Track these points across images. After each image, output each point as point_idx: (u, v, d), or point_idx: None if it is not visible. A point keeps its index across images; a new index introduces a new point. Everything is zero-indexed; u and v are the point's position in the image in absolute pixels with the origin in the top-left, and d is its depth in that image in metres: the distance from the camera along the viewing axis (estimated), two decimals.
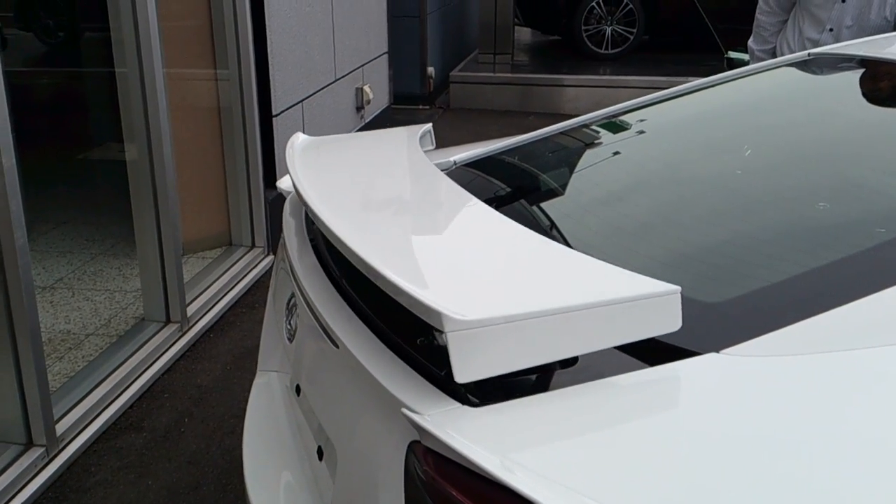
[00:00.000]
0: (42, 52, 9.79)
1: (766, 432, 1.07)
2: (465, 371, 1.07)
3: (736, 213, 1.71)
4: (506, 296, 1.19)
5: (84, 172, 5.54)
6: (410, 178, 1.76)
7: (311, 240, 1.74)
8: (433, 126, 2.13)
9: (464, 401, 1.13)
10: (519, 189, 2.04)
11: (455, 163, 2.06)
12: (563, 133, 2.29)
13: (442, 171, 1.74)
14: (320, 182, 1.69)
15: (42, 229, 4.43)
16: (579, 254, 1.29)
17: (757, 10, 3.99)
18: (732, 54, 4.15)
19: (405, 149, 1.88)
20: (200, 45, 3.97)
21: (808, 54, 2.49)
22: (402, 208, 1.63)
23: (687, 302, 1.34)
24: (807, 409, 1.12)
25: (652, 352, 1.21)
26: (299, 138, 1.93)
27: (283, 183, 2.04)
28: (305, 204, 1.55)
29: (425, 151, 1.87)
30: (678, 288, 1.15)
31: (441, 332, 1.07)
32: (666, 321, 1.16)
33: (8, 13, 9.74)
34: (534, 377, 1.18)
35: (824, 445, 1.06)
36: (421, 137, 1.94)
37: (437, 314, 1.06)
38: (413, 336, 1.28)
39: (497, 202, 1.86)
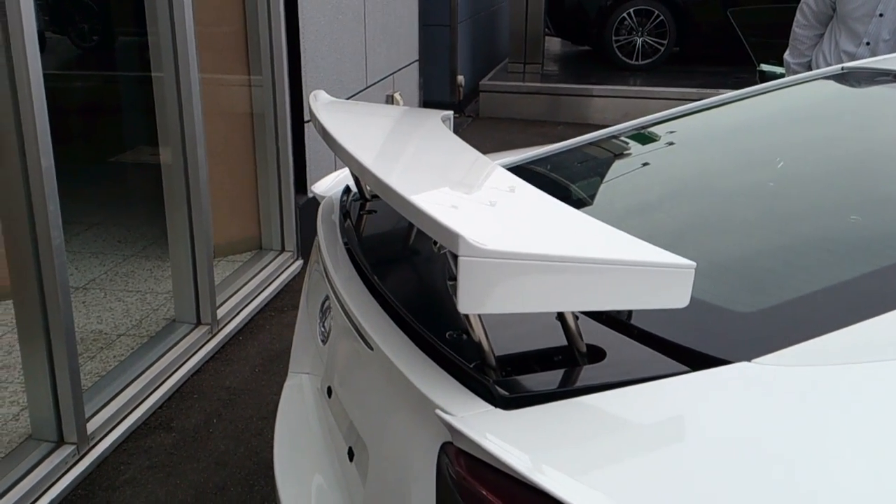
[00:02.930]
0: (76, 55, 9.92)
1: (795, 442, 1.07)
2: (469, 302, 1.08)
3: (768, 224, 1.71)
4: (523, 240, 1.19)
5: (117, 175, 5.61)
6: (438, 139, 1.77)
7: (346, 243, 1.76)
8: (462, 134, 2.15)
9: (496, 404, 1.15)
10: None
11: None
12: (594, 143, 2.29)
13: None
14: (346, 126, 1.72)
15: (75, 230, 4.50)
16: (600, 222, 1.30)
17: (794, 24, 3.98)
18: (765, 67, 4.14)
19: (430, 119, 1.91)
20: (235, 50, 4.02)
21: (842, 68, 2.48)
22: (428, 158, 1.66)
23: (719, 311, 1.35)
24: (836, 419, 1.12)
25: (684, 359, 1.21)
26: (322, 94, 1.97)
27: (318, 187, 2.07)
28: (332, 141, 1.58)
29: None
30: (693, 263, 1.15)
31: (454, 258, 1.07)
32: (675, 296, 1.15)
33: (44, 17, 9.87)
34: (565, 380, 1.19)
35: (854, 456, 1.06)
36: (442, 121, 1.97)
37: (455, 236, 1.06)
38: (446, 338, 1.30)
39: None
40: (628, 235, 1.24)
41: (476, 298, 1.08)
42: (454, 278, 1.07)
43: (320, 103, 1.89)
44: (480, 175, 1.52)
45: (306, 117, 4.31)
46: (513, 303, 1.10)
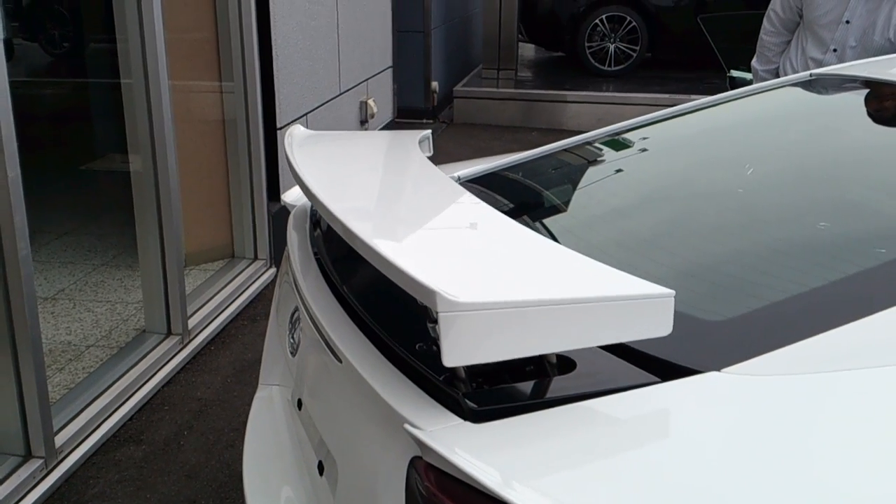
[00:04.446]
0: (47, 62, 9.83)
1: (765, 452, 1.07)
2: (453, 355, 1.07)
3: (737, 231, 1.71)
4: (500, 286, 1.19)
5: (86, 183, 5.55)
6: (411, 173, 1.76)
7: (316, 253, 1.74)
8: (437, 141, 2.14)
9: (466, 417, 1.13)
10: (522, 205, 2.04)
11: (459, 178, 2.07)
12: (567, 150, 2.29)
13: None
14: (321, 171, 1.70)
15: (44, 240, 4.44)
16: (577, 253, 1.29)
17: (761, 30, 4.00)
18: (735, 73, 4.16)
19: (406, 147, 1.89)
20: (206, 57, 3.99)
21: (810, 74, 2.50)
22: (402, 200, 1.64)
23: (689, 320, 1.34)
24: (806, 428, 1.12)
25: (653, 369, 1.21)
26: (298, 130, 1.95)
27: (288, 196, 2.05)
28: (305, 189, 1.56)
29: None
30: (672, 292, 1.15)
31: (434, 312, 1.06)
32: (657, 325, 1.15)
33: (14, 23, 9.77)
34: (535, 392, 1.18)
35: (823, 465, 1.06)
36: (420, 143, 1.95)
37: (432, 293, 1.06)
38: (416, 350, 1.28)
39: None
40: (605, 266, 1.24)
41: (461, 352, 1.08)
42: (435, 321, 1.06)
43: (296, 142, 1.86)
44: (456, 212, 1.51)
45: (279, 124, 4.28)
46: (498, 351, 1.10)
